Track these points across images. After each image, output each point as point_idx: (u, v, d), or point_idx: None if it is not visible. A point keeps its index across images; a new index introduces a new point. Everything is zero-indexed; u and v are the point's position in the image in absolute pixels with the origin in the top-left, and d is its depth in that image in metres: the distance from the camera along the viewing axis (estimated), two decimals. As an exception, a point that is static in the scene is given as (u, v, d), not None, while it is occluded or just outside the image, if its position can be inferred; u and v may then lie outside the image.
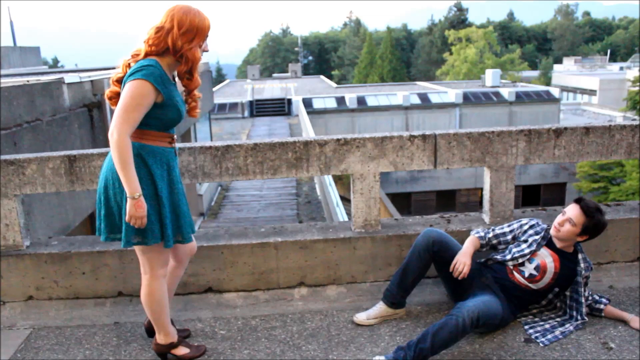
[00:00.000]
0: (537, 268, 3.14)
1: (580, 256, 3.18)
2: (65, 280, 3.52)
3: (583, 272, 3.14)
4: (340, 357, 2.92)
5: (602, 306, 3.20)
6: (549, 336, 3.02)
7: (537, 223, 3.29)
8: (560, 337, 3.02)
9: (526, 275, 3.15)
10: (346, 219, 10.19)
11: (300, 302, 3.53)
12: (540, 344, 2.96)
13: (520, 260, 3.18)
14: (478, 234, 3.35)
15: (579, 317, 3.13)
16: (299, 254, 3.57)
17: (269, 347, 3.05)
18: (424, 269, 3.25)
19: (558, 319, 3.18)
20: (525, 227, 3.29)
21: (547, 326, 3.12)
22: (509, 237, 3.32)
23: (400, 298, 3.26)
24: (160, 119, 2.60)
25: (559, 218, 3.14)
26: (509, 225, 3.36)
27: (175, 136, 2.75)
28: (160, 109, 2.56)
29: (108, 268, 3.51)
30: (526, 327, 3.13)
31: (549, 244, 3.21)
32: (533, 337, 3.03)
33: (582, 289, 3.14)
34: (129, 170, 2.45)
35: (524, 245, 3.23)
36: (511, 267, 3.20)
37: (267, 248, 3.55)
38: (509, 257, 3.21)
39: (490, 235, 3.35)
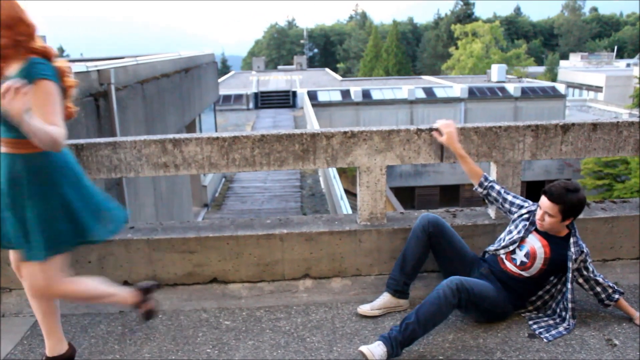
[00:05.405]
0: (527, 255, 3.13)
1: (571, 240, 3.11)
2: (71, 269, 3.53)
3: (573, 256, 3.07)
4: (344, 349, 2.93)
5: (617, 296, 3.14)
6: (553, 332, 3.02)
7: (533, 211, 3.28)
8: (564, 332, 3.02)
9: (517, 263, 3.15)
10: (350, 212, 10.21)
11: (305, 294, 3.54)
12: (544, 340, 2.96)
13: (511, 248, 3.19)
14: (488, 175, 3.50)
15: (568, 320, 3.08)
16: (304, 246, 3.58)
17: (274, 338, 3.06)
18: (423, 252, 3.29)
19: (562, 314, 3.17)
20: (523, 211, 3.29)
21: (551, 322, 3.11)
22: (507, 204, 3.40)
23: (403, 285, 3.28)
24: None
25: (538, 212, 3.12)
26: (515, 197, 3.40)
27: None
28: None
29: (114, 257, 3.53)
30: (530, 322, 3.13)
31: (539, 229, 3.20)
32: (537, 332, 3.03)
33: (571, 285, 3.08)
34: None
35: (514, 232, 3.24)
36: (503, 257, 3.21)
37: (273, 239, 3.56)
38: (501, 246, 3.23)
39: (497, 187, 3.45)
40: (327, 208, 13.15)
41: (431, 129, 3.52)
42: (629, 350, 2.86)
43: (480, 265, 3.27)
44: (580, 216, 3.64)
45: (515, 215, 3.32)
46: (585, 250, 3.13)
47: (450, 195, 27.75)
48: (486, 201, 3.54)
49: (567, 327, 3.05)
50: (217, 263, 3.58)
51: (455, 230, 3.42)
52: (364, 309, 3.27)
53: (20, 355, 2.97)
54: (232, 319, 3.28)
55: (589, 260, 3.14)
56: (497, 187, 3.45)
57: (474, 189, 3.54)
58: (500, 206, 3.44)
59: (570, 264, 3.08)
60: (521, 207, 3.33)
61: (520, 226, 3.24)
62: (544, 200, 3.07)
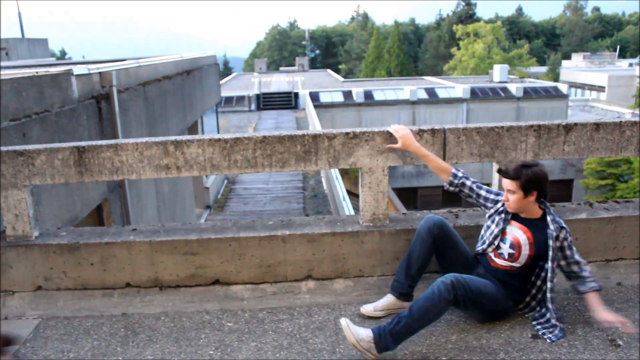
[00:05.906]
0: (512, 246, 3.13)
1: (548, 218, 3.11)
2: (73, 271, 3.54)
3: (554, 233, 3.06)
4: (347, 351, 2.92)
5: (594, 285, 3.05)
6: (556, 332, 3.01)
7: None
8: (563, 332, 3.01)
9: (505, 256, 3.15)
10: (352, 213, 10.19)
11: (307, 295, 3.53)
12: (548, 340, 2.95)
13: (495, 243, 3.19)
14: (457, 171, 3.41)
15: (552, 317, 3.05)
16: (306, 247, 3.57)
17: (276, 340, 3.05)
18: (428, 254, 3.28)
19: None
20: (499, 205, 3.27)
21: (553, 322, 3.10)
22: (481, 199, 3.37)
23: (408, 287, 3.28)
24: None
25: (504, 194, 3.14)
26: (488, 191, 3.37)
27: None
28: None
29: (116, 259, 3.53)
30: (533, 322, 3.12)
31: (515, 217, 3.19)
32: (540, 333, 3.02)
33: (551, 264, 3.04)
34: None
35: (493, 227, 3.24)
36: (491, 255, 3.22)
37: (275, 241, 3.56)
38: (486, 244, 3.23)
39: (469, 183, 3.40)
40: (329, 209, 13.14)
41: (434, 130, 3.51)
42: (632, 351, 2.85)
43: (477, 266, 3.28)
44: (583, 216, 3.64)
45: (492, 211, 3.31)
46: (565, 227, 3.10)
47: (453, 195, 27.63)
48: (461, 196, 3.51)
49: (558, 322, 3.02)
50: (219, 265, 3.57)
51: (458, 231, 3.42)
52: (367, 309, 3.26)
53: (22, 357, 2.97)
54: (235, 320, 3.28)
55: (570, 238, 3.10)
56: (469, 182, 3.41)
57: (445, 188, 3.49)
58: (475, 201, 3.42)
59: (551, 242, 3.06)
60: (496, 201, 3.31)
61: (497, 219, 3.24)
62: (503, 180, 3.10)
